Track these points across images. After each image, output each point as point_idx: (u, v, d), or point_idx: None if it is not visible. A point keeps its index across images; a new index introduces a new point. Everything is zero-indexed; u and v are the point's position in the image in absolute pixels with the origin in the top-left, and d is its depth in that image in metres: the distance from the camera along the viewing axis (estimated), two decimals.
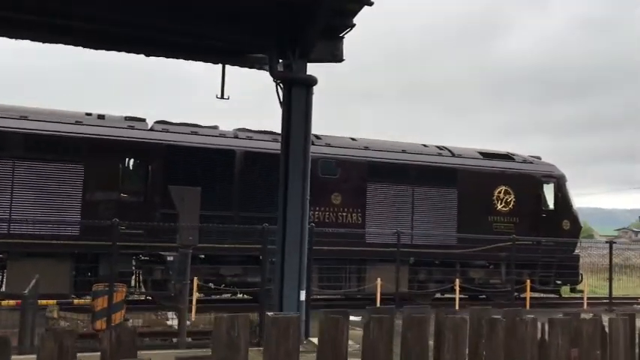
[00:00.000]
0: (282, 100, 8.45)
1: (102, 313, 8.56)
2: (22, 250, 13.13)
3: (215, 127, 15.87)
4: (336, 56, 8.18)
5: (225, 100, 9.55)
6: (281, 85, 8.42)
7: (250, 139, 15.70)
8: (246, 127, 16.36)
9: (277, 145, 15.67)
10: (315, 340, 8.42)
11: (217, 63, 10.37)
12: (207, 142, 15.04)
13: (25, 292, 7.33)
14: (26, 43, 9.37)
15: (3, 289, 13.81)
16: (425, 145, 17.95)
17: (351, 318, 8.71)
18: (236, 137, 15.68)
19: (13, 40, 9.48)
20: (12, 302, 8.72)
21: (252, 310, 13.75)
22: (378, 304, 13.97)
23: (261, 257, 14.80)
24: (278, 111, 8.82)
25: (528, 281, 16.73)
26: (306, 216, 8.32)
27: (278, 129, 10.36)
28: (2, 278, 13.80)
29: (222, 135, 15.57)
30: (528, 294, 16.73)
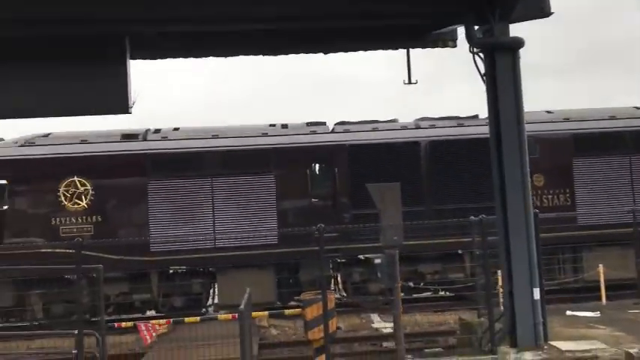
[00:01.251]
0: (483, 72, 7.48)
1: (314, 322, 8.27)
2: (228, 263, 13.67)
3: (394, 121, 15.25)
4: (543, 9, 7.00)
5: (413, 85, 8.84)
6: (481, 55, 7.47)
7: (433, 127, 14.80)
8: (427, 116, 15.47)
9: (463, 131, 14.76)
10: (556, 343, 7.26)
11: (398, 48, 9.67)
12: (389, 137, 14.48)
13: (242, 306, 7.24)
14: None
15: (213, 301, 14.58)
16: (637, 108, 15.49)
17: (583, 314, 7.33)
18: (418, 127, 14.89)
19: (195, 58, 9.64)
20: (228, 316, 8.81)
21: (456, 309, 12.93)
22: (604, 296, 12.15)
23: (459, 252, 14.12)
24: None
25: None
26: (529, 203, 7.24)
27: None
28: (212, 290, 14.51)
29: (404, 127, 14.89)
30: None
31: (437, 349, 10.40)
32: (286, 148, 14.13)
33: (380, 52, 9.98)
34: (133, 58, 8.39)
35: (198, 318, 9.58)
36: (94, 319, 11.40)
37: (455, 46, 9.66)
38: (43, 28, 7.58)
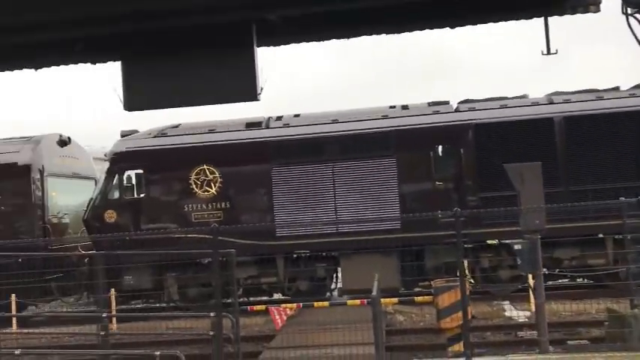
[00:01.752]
0: None
1: (447, 310, 7.91)
2: (351, 248, 13.58)
3: (524, 96, 14.29)
4: None
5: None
6: (637, 16, 6.64)
7: (568, 101, 13.68)
8: (561, 90, 14.33)
9: (602, 104, 13.52)
10: None
11: (533, 17, 8.91)
12: (518, 114, 13.58)
13: (374, 293, 7.06)
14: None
15: (337, 285, 14.58)
16: None
17: None
18: (551, 103, 13.84)
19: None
20: (357, 302, 8.69)
21: (601, 298, 11.92)
22: None
23: (601, 235, 12.98)
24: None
25: None
26: None
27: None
28: (336, 275, 14.52)
29: (535, 103, 13.91)
30: None
31: (582, 342, 9.60)
32: (408, 130, 13.73)
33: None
34: (259, 45, 8.42)
35: (327, 303, 9.56)
36: (227, 302, 11.83)
37: (598, 10, 8.74)
38: (174, 20, 7.77)
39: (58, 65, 8.84)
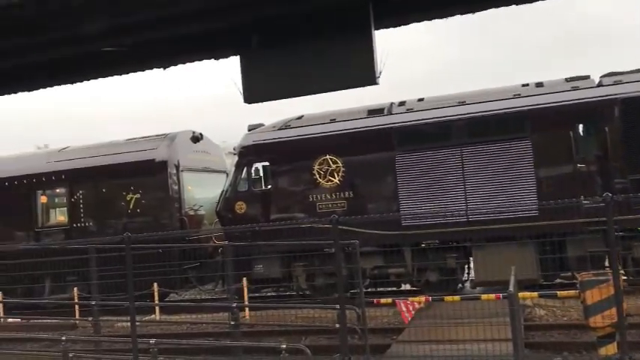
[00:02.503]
0: None
1: (597, 307, 7.05)
2: (483, 238, 12.81)
3: None
4: None
5: None
6: None
7: None
8: None
9: None
10: None
11: None
12: None
13: (511, 288, 6.45)
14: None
15: (469, 276, 13.85)
16: None
17: None
18: None
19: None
20: (492, 296, 8.07)
21: None
22: None
23: None
24: None
25: None
26: None
27: None
28: (467, 266, 13.80)
29: None
30: None
31: None
32: (544, 109, 12.62)
33: None
34: (377, 28, 8.05)
35: (458, 297, 9.01)
36: (353, 293, 11.65)
37: None
38: (289, 7, 7.63)
39: (184, 63, 9.08)
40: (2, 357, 10.61)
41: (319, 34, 7.67)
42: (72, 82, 9.43)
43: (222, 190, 15.38)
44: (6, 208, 16.91)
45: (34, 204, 16.81)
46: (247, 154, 14.90)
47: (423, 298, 8.77)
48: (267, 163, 14.83)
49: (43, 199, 17.09)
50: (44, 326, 13.69)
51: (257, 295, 15.56)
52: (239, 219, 14.51)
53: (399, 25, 9.17)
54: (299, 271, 14.39)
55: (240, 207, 14.75)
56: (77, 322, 14.06)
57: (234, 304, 9.08)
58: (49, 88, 9.70)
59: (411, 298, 8.52)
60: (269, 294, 16.11)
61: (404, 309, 8.28)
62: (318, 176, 14.04)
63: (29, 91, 10.17)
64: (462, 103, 13.45)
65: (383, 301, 9.06)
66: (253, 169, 14.98)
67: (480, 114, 13.05)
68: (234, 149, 16.07)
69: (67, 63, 8.86)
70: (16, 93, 9.61)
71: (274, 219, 14.42)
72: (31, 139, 75.13)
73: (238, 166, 15.01)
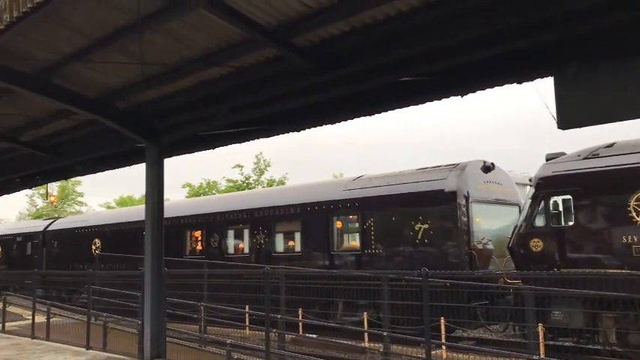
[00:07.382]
0: None
1: None
2: None
3: None
4: None
5: None
6: None
7: None
8: None
9: None
10: None
11: None
12: None
13: None
14: None
15: None
16: None
17: None
18: None
19: None
20: None
21: None
22: None
23: None
24: None
25: None
26: None
27: None
28: None
29: None
30: None
31: None
32: None
33: None
34: None
35: None
36: None
37: None
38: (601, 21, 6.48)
39: (484, 89, 8.51)
40: None
41: None
42: (371, 114, 9.65)
43: (516, 225, 14.21)
44: (309, 232, 18.45)
45: (330, 229, 17.96)
46: (545, 186, 13.51)
47: None
48: (569, 197, 13.21)
49: (338, 224, 18.16)
50: (336, 346, 14.28)
51: (552, 343, 13.85)
52: (534, 257, 13.22)
53: None
54: (608, 323, 12.33)
55: (536, 244, 13.41)
56: (367, 345, 14.35)
57: (536, 358, 7.95)
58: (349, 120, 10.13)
59: None
60: (566, 344, 14.22)
61: None
62: (635, 214, 11.92)
63: (332, 124, 10.75)
64: None
65: None
66: (552, 202, 13.52)
67: None
68: (529, 180, 14.80)
69: (368, 95, 9.08)
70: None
71: (575, 259, 12.71)
72: (327, 166, 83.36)
73: (535, 199, 13.69)
